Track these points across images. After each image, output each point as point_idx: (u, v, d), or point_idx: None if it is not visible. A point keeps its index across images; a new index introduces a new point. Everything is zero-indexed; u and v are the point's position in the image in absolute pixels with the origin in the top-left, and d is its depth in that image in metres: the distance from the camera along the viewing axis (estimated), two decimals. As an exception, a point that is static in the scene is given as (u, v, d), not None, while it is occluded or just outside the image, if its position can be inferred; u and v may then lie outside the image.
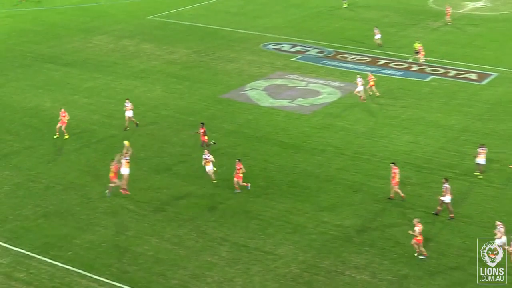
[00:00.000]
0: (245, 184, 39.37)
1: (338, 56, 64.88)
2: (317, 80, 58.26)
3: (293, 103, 53.19)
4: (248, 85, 57.19)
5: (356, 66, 61.60)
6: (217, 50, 66.50)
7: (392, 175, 38.19)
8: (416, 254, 33.32)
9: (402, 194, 38.37)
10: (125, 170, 38.30)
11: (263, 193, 39.37)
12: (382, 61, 63.18)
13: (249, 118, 50.33)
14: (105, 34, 71.73)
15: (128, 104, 47.39)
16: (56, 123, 47.10)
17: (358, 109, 51.79)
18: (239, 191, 39.11)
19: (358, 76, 53.86)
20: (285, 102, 53.47)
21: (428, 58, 62.14)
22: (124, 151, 40.19)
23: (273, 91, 55.74)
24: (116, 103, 52.64)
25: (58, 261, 32.83)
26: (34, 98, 53.89)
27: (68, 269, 32.31)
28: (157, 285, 31.20)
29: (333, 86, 56.48)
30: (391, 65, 62.31)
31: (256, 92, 55.55)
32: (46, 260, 32.99)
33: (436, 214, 36.91)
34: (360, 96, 52.94)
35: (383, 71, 60.64)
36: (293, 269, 32.49)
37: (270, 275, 32.03)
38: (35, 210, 37.50)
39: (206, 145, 43.57)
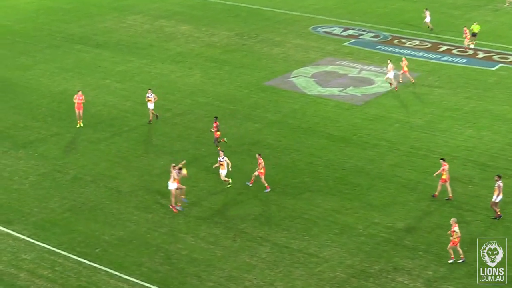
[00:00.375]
0: (250, 182, 39.39)
1: (395, 41, 64.47)
2: (371, 67, 58.03)
3: (344, 92, 53.09)
4: (295, 71, 57.24)
5: (414, 52, 61.15)
6: (261, 32, 66.64)
7: (441, 171, 38.09)
8: (460, 261, 33.16)
9: (436, 193, 38.41)
10: (172, 185, 37.13)
11: (308, 190, 39.47)
12: (444, 47, 62.61)
13: (295, 107, 50.42)
14: (140, 14, 72.44)
15: (151, 95, 47.12)
16: (85, 109, 47.76)
17: (415, 100, 51.47)
18: (269, 189, 39.23)
19: (389, 60, 53.67)
20: (335, 91, 53.40)
21: (468, 43, 61.66)
22: (181, 166, 37.90)
23: (322, 79, 55.71)
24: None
25: (85, 258, 33.40)
26: (63, 82, 54.76)
27: (96, 267, 32.84)
28: (191, 287, 31.55)
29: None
30: (454, 51, 61.71)
31: (303, 80, 55.58)
32: (72, 257, 33.57)
33: (496, 218, 36.61)
34: (390, 84, 53.10)
35: (445, 58, 60.12)
36: (339, 274, 32.56)
37: (314, 279, 32.14)
38: (62, 203, 38.18)
39: (218, 142, 43.63)
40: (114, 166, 42.06)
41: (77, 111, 46.74)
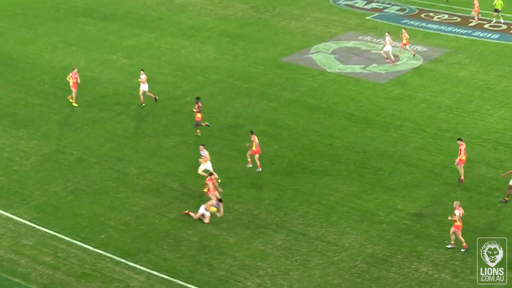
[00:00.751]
0: (258, 167, 39.52)
1: (422, 15, 64.22)
2: (396, 43, 57.75)
3: (366, 70, 53.02)
4: (314, 47, 57.17)
5: (443, 27, 60.96)
6: (278, 5, 66.50)
7: (458, 152, 38.26)
8: (449, 246, 33.37)
9: (462, 177, 38.60)
10: (206, 212, 35.19)
11: (326, 174, 39.56)
12: (475, 22, 62.27)
13: (314, 86, 50.41)
14: (149, -16, 72.44)
15: (143, 76, 46.63)
16: (90, 86, 47.95)
17: (443, 78, 51.37)
18: (251, 165, 39.63)
19: (387, 33, 53.73)
20: (356, 68, 53.33)
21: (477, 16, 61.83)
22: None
23: (343, 55, 55.62)
24: (160, 65, 53.37)
25: (89, 245, 33.64)
26: (67, 57, 54.96)
27: (100, 253, 33.08)
28: (201, 276, 31.73)
29: (414, 51, 55.96)
30: (486, 26, 61.42)
31: (323, 56, 55.53)
32: (75, 242, 33.82)
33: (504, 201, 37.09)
34: (387, 59, 53.43)
35: (476, 33, 59.87)
36: (359, 263, 32.66)
37: (332, 269, 32.26)
38: (65, 185, 38.43)
39: (198, 125, 43.33)
40: (120, 147, 42.26)
41: (73, 89, 46.86)
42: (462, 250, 33.26)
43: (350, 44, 57.84)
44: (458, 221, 32.92)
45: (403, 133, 44.01)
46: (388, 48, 53.08)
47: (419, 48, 56.29)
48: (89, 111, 46.49)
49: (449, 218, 33.33)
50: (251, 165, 39.68)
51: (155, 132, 43.91)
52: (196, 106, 43.22)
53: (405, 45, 54.15)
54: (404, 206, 36.69)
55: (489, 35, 59.54)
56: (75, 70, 47.10)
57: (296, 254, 33.20)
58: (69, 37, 58.87)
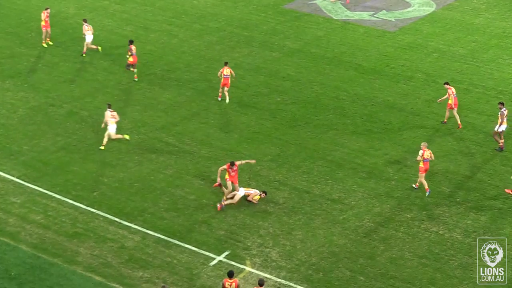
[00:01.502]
0: (219, 97, 41.57)
1: (436, -43, 63.87)
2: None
3: (375, 17, 52.90)
4: (319, -8, 57.12)
5: (457, -29, 60.66)
6: None
7: (446, 96, 38.82)
8: (414, 186, 34.57)
9: (445, 120, 39.40)
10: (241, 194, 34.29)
11: (332, 128, 39.72)
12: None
13: (319, 34, 50.33)
14: None
15: (86, 26, 46.22)
16: (80, 34, 47.77)
17: (457, 25, 51.27)
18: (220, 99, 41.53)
19: None
20: (365, 15, 53.19)
21: None
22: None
23: (350, 1, 55.38)
24: (154, 12, 53.15)
25: (81, 203, 33.82)
26: (55, 3, 54.68)
27: (93, 212, 33.29)
28: (200, 236, 31.96)
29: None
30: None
31: (329, 2, 55.33)
32: (67, 200, 34.01)
33: (500, 149, 37.54)
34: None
35: (493, -23, 59.60)
36: (366, 223, 32.94)
37: (337, 228, 32.53)
38: (55, 140, 38.56)
39: (131, 67, 44.07)
40: (113, 100, 42.24)
41: (44, 30, 47.05)
42: (414, 186, 34.74)
43: (358, -11, 57.72)
44: (421, 162, 33.68)
45: (414, 84, 44.09)
46: None
47: (432, -7, 56.20)
48: (79, 61, 46.46)
49: (418, 163, 34.30)
50: (220, 99, 41.52)
51: (150, 84, 43.94)
52: (128, 48, 43.76)
53: None
54: (414, 162, 36.79)
55: (507, -21, 59.29)
56: (48, 10, 47.18)
57: (300, 213, 33.44)
58: (57, -18, 58.60)
